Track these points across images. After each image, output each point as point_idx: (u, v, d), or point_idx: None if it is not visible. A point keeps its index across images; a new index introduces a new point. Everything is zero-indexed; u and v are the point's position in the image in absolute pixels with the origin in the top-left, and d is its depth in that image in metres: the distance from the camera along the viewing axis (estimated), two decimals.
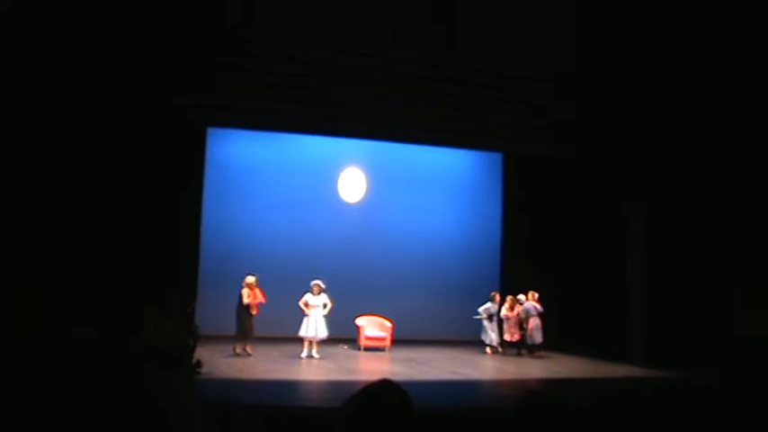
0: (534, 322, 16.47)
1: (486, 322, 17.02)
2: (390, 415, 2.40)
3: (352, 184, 18.93)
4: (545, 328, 16.46)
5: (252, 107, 13.60)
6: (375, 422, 2.37)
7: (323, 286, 14.91)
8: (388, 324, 16.91)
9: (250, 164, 17.89)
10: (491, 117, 14.67)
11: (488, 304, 17.06)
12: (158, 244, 13.14)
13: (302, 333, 14.80)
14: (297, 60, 13.27)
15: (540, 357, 16.33)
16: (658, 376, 13.84)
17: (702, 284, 14.89)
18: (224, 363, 13.40)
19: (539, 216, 18.56)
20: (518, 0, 14.26)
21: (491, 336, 16.97)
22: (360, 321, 16.86)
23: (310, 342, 14.80)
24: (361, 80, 13.81)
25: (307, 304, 14.84)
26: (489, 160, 19.81)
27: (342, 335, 16.16)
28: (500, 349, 17.00)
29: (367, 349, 16.47)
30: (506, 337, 16.91)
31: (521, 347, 16.78)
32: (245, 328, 14.57)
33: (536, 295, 16.73)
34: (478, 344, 17.06)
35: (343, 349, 16.28)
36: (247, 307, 14.61)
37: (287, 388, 11.86)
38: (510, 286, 17.88)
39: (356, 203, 18.92)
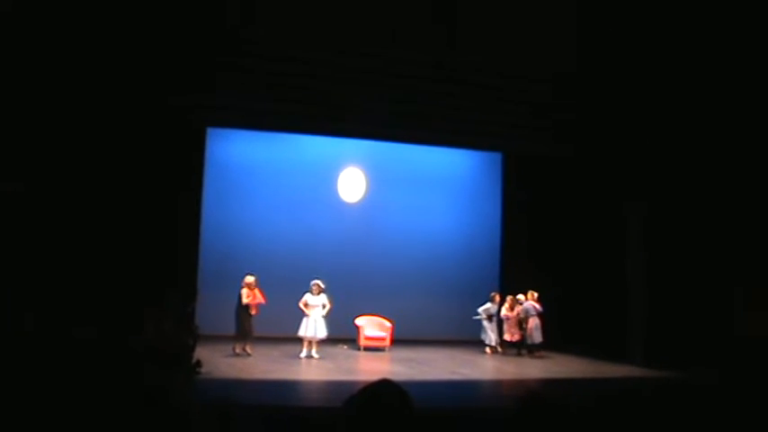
0: (534, 322, 16.47)
1: (485, 322, 17.02)
2: (390, 415, 2.39)
3: (351, 184, 18.93)
4: (545, 327, 16.46)
5: (252, 107, 13.60)
6: (375, 422, 2.37)
7: (322, 286, 14.90)
8: (388, 324, 16.90)
9: (250, 164, 17.89)
10: (491, 117, 14.67)
11: (488, 305, 17.06)
12: (158, 244, 13.13)
13: (301, 333, 14.80)
14: (297, 60, 13.27)
15: (540, 357, 16.33)
16: (658, 376, 13.84)
17: (702, 284, 14.90)
18: (224, 363, 13.40)
19: (539, 216, 18.55)
20: (518, 0, 14.25)
21: (491, 336, 16.98)
22: (359, 321, 16.86)
23: (310, 342, 14.80)
24: (361, 80, 13.81)
25: (306, 305, 14.84)
26: (489, 160, 19.81)
27: (341, 335, 16.16)
28: (499, 349, 17.00)
29: (367, 349, 16.46)
30: (506, 337, 16.91)
31: (520, 347, 16.78)
32: (244, 328, 14.57)
33: (535, 295, 16.73)
34: (478, 344, 17.07)
35: (343, 349, 16.28)
36: (246, 307, 14.61)
37: (287, 388, 11.86)
38: (510, 286, 17.88)
39: (356, 203, 18.92)
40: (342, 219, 18.53)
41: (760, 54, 13.93)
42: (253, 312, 14.65)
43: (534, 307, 16.52)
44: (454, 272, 18.88)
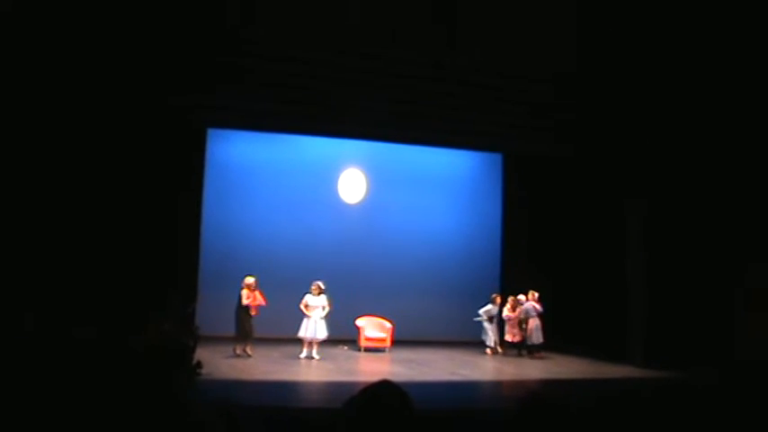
0: (534, 323, 16.47)
1: (486, 324, 17.01)
2: (390, 416, 2.39)
3: (352, 185, 18.93)
4: (545, 328, 16.46)
5: (252, 107, 13.59)
6: (375, 423, 2.37)
7: (323, 287, 14.90)
8: (388, 325, 16.90)
9: (250, 164, 17.89)
10: (491, 117, 14.67)
11: (489, 306, 17.05)
12: (158, 244, 13.14)
13: (301, 334, 14.79)
14: (297, 60, 13.26)
15: (540, 358, 16.32)
16: (658, 377, 13.83)
17: (702, 285, 14.90)
18: (224, 364, 13.40)
19: (539, 216, 18.57)
20: (518, 0, 14.24)
21: (491, 337, 16.98)
22: (360, 322, 16.86)
23: (310, 343, 14.79)
24: (362, 80, 13.80)
25: (307, 306, 14.83)
26: (489, 160, 19.81)
27: (342, 336, 16.15)
28: (499, 350, 17.00)
29: (367, 350, 16.46)
30: (507, 337, 16.90)
31: (521, 348, 16.78)
32: (244, 329, 14.56)
33: (536, 295, 16.72)
34: (478, 345, 17.06)
35: (344, 350, 16.28)
36: (246, 308, 14.60)
37: (287, 389, 11.86)
38: (510, 287, 17.88)
39: (356, 204, 18.91)
40: (342, 219, 18.53)
41: (760, 53, 13.93)
42: (253, 313, 14.64)
43: (534, 308, 16.52)
44: (455, 272, 18.88)
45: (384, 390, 2.46)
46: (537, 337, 16.44)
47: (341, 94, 13.74)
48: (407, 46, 13.59)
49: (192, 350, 11.12)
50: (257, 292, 14.74)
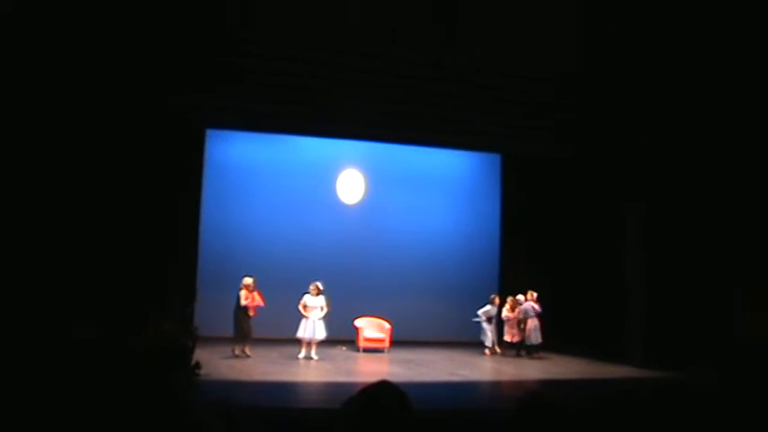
0: (533, 323, 16.48)
1: (485, 324, 17.02)
2: (389, 416, 2.39)
3: (350, 186, 18.93)
4: (543, 328, 16.47)
5: (251, 108, 13.59)
6: (374, 424, 2.37)
7: (321, 288, 14.89)
8: (387, 325, 16.90)
9: (249, 165, 17.89)
10: (491, 117, 14.67)
11: (488, 307, 17.05)
12: (157, 244, 13.14)
13: (300, 334, 14.79)
14: (296, 61, 13.26)
15: (539, 358, 16.33)
16: (657, 377, 13.84)
17: (701, 285, 14.91)
18: (223, 364, 13.39)
19: (537, 217, 18.57)
20: (518, 0, 14.24)
21: (489, 337, 16.98)
22: (358, 323, 16.86)
23: (308, 343, 14.79)
24: (361, 80, 13.80)
25: (305, 306, 14.83)
26: (488, 161, 19.82)
27: (340, 336, 16.16)
28: (498, 350, 17.00)
29: (366, 350, 16.46)
30: (506, 338, 16.91)
31: (519, 349, 16.78)
32: (242, 329, 14.55)
33: (534, 295, 16.73)
34: (477, 345, 17.07)
35: (342, 351, 16.28)
36: (245, 308, 14.59)
37: (286, 389, 11.85)
38: (509, 287, 17.88)
39: (355, 205, 18.92)
40: (341, 220, 18.54)
41: (759, 55, 13.93)
42: (251, 314, 14.64)
43: (533, 308, 16.53)
44: (453, 273, 18.88)
45: (383, 390, 2.47)
46: (536, 338, 16.45)
47: (340, 95, 13.74)
48: (407, 46, 13.59)
49: (191, 351, 11.09)
50: (256, 293, 14.74)
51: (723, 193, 14.87)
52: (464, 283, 18.60)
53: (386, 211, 18.88)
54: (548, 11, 14.35)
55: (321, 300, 14.84)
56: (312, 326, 14.70)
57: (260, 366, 13.59)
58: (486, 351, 16.97)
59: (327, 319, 14.93)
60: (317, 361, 14.58)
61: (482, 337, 17.05)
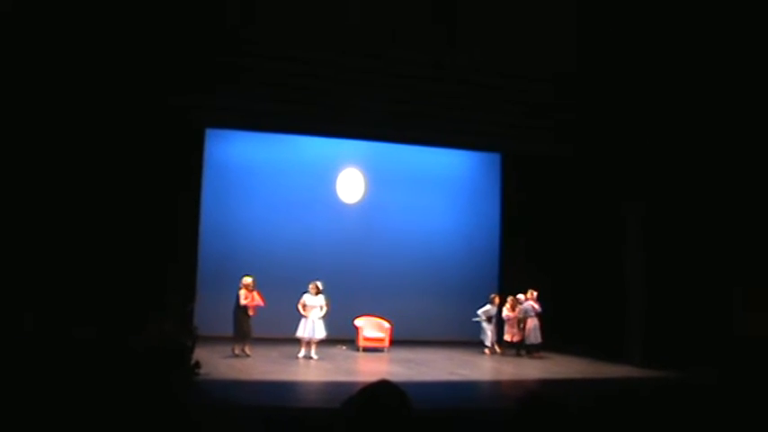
0: (532, 323, 16.48)
1: (484, 323, 17.03)
2: (389, 416, 2.40)
3: (350, 185, 18.93)
4: (543, 328, 16.47)
5: (251, 107, 13.59)
6: (374, 423, 2.37)
7: (320, 287, 14.90)
8: (387, 325, 16.91)
9: (249, 164, 17.89)
10: (491, 117, 14.67)
11: (487, 306, 17.05)
12: (157, 244, 13.14)
13: (299, 334, 14.79)
14: (296, 60, 13.26)
15: (539, 358, 16.34)
16: (657, 376, 13.84)
17: (701, 284, 14.91)
18: (223, 363, 13.40)
19: (537, 216, 18.57)
20: (518, 0, 14.24)
21: (489, 337, 16.99)
22: (358, 322, 16.86)
23: (308, 343, 14.80)
24: (361, 80, 13.79)
25: (304, 306, 14.83)
26: (487, 160, 19.82)
27: (340, 335, 16.16)
28: (498, 350, 17.00)
29: (365, 350, 16.46)
30: (506, 337, 16.91)
31: (519, 348, 16.79)
32: (242, 329, 14.56)
33: (534, 294, 16.74)
34: (477, 344, 17.07)
35: (342, 350, 16.28)
36: (245, 308, 14.59)
37: (286, 389, 11.85)
38: (508, 287, 17.89)
39: (355, 204, 18.92)
40: (341, 219, 18.54)
41: (759, 54, 13.93)
42: (251, 313, 14.64)
43: (533, 307, 16.53)
44: (453, 272, 18.88)
45: (383, 389, 2.47)
46: (535, 337, 16.46)
47: (340, 94, 13.74)
48: (407, 46, 13.59)
49: (191, 350, 11.12)
50: (255, 293, 14.74)
51: (723, 193, 14.87)
52: (464, 283, 18.60)
53: (386, 210, 18.88)
54: (548, 11, 14.34)
55: (320, 299, 14.84)
56: (311, 325, 14.70)
57: (260, 366, 13.60)
58: (486, 350, 16.98)
59: (327, 318, 14.93)
60: (316, 360, 14.59)
61: (482, 337, 17.05)
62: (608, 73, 14.67)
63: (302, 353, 14.79)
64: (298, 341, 14.90)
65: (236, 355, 14.42)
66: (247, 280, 14.72)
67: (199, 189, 15.76)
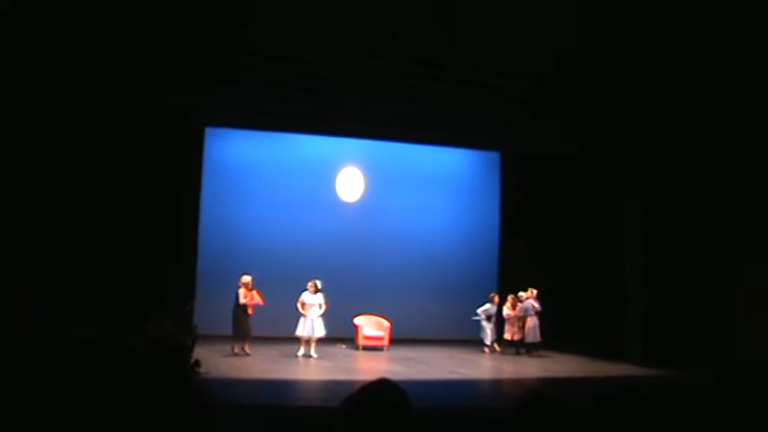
0: (532, 321, 16.51)
1: (484, 322, 17.04)
2: (389, 414, 2.41)
3: (350, 184, 18.94)
4: (543, 327, 16.49)
5: (251, 107, 13.60)
6: (373, 422, 2.38)
7: (319, 286, 14.91)
8: (387, 323, 16.92)
9: (248, 163, 17.89)
10: (491, 116, 14.67)
11: (487, 305, 17.07)
12: (157, 243, 13.14)
13: (299, 332, 14.81)
14: (296, 60, 13.26)
15: (539, 356, 16.35)
16: (656, 375, 13.86)
17: (701, 284, 14.91)
18: (222, 362, 13.40)
19: (537, 215, 18.58)
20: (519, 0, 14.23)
21: (489, 336, 17.01)
22: (358, 321, 16.88)
23: (308, 341, 14.81)
24: (361, 80, 13.79)
25: (303, 304, 14.85)
26: (487, 159, 19.82)
27: (340, 334, 16.17)
28: (497, 348, 17.02)
29: (365, 349, 16.48)
30: (506, 336, 16.92)
31: (519, 347, 16.80)
32: (241, 327, 14.57)
33: (534, 292, 16.75)
34: (477, 343, 17.09)
35: (342, 349, 16.29)
36: (244, 307, 14.61)
37: (285, 387, 11.87)
38: (508, 285, 17.90)
39: (354, 203, 18.92)
40: (340, 218, 18.54)
41: (760, 55, 13.92)
42: (250, 312, 14.66)
43: (533, 306, 16.55)
44: (453, 271, 18.89)
45: (382, 388, 2.48)
46: (534, 336, 16.48)
47: (340, 94, 13.75)
48: (407, 46, 13.58)
49: (191, 349, 11.13)
50: (254, 292, 14.75)
51: (723, 193, 14.87)
52: (464, 282, 18.61)
53: (385, 209, 18.89)
54: (548, 11, 14.33)
55: (319, 297, 14.85)
56: (311, 324, 14.72)
57: (259, 364, 13.61)
58: (486, 349, 17.00)
59: (326, 316, 14.95)
60: (316, 359, 14.60)
61: (481, 335, 17.07)
62: (610, 74, 14.66)
63: (302, 351, 14.81)
64: (297, 340, 14.92)
65: (236, 354, 14.43)
66: (246, 279, 14.74)
67: (198, 188, 15.77)
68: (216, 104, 13.51)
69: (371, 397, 2.44)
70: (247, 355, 14.50)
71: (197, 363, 11.18)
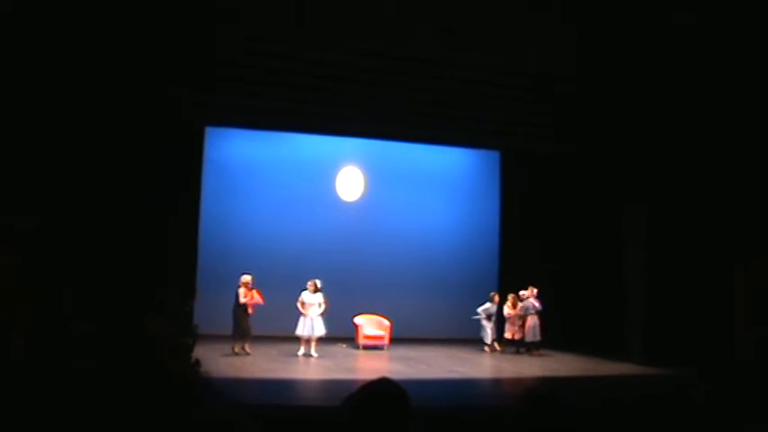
0: (532, 320, 16.50)
1: (484, 321, 17.04)
2: (389, 413, 2.40)
3: (350, 183, 18.93)
4: (543, 325, 16.49)
5: (251, 106, 13.60)
6: (374, 421, 2.38)
7: (319, 285, 14.91)
8: (387, 323, 16.92)
9: (248, 163, 17.88)
10: (491, 115, 14.67)
11: (487, 305, 17.06)
12: (157, 243, 13.13)
13: (299, 332, 14.80)
14: (296, 59, 13.26)
15: (539, 356, 16.35)
16: (657, 374, 13.86)
17: (701, 283, 14.90)
18: (222, 362, 13.40)
19: (537, 214, 18.57)
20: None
21: (489, 335, 17.01)
22: (358, 320, 16.87)
23: (308, 340, 14.81)
24: (361, 79, 13.79)
25: (303, 304, 14.84)
26: (487, 158, 19.81)
27: (340, 333, 16.16)
28: (498, 348, 17.02)
29: (366, 348, 16.48)
30: (507, 335, 16.91)
31: (520, 346, 16.80)
32: (241, 327, 14.57)
33: (535, 291, 16.74)
34: (477, 342, 17.08)
35: (342, 348, 16.29)
36: (244, 306, 14.61)
37: (286, 387, 11.87)
38: (508, 284, 17.89)
39: (354, 202, 18.92)
40: (340, 217, 18.53)
41: (760, 56, 13.90)
42: (250, 312, 14.66)
43: (534, 305, 16.54)
44: (453, 270, 18.88)
45: (383, 387, 2.48)
46: (534, 335, 16.48)
47: (340, 93, 13.74)
48: (407, 45, 13.56)
49: (191, 348, 11.13)
50: (254, 291, 14.75)
51: (723, 193, 14.85)
52: (464, 281, 18.60)
53: (386, 208, 18.88)
54: (548, 10, 14.31)
55: (318, 297, 14.85)
56: (311, 323, 14.72)
57: (260, 364, 13.61)
58: (486, 348, 17.00)
59: (325, 315, 14.94)
60: (316, 358, 14.60)
61: (482, 334, 17.07)
62: (609, 74, 14.65)
63: (302, 351, 14.80)
64: (297, 339, 14.91)
65: (236, 354, 14.43)
66: (246, 278, 14.74)
67: (198, 187, 15.77)
68: (216, 104, 13.50)
69: (372, 396, 2.43)
70: (247, 354, 14.50)
71: (197, 362, 11.17)
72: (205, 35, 12.63)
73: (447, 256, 18.98)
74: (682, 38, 13.95)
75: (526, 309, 16.60)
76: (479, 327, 17.12)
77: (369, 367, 14.42)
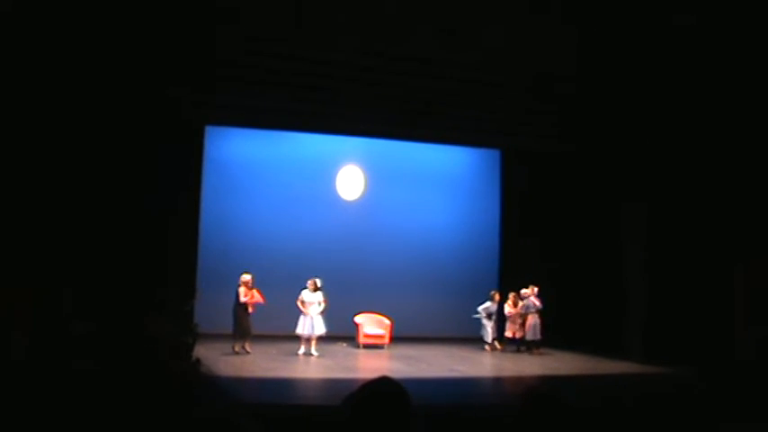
0: (533, 319, 16.51)
1: (484, 320, 17.04)
2: (389, 412, 2.41)
3: (350, 182, 18.93)
4: (544, 324, 16.49)
5: (251, 105, 13.60)
6: (374, 420, 2.38)
7: (319, 284, 14.91)
8: (387, 321, 16.92)
9: (248, 162, 17.88)
10: (491, 114, 14.68)
11: (488, 303, 17.07)
12: (157, 242, 13.14)
13: (299, 331, 14.81)
14: (296, 59, 13.26)
15: (539, 354, 16.35)
16: (657, 372, 13.87)
17: (701, 283, 14.90)
18: (223, 361, 13.41)
19: (537, 213, 18.58)
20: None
21: (489, 333, 17.01)
22: (358, 319, 16.87)
23: (308, 339, 14.81)
24: (362, 78, 13.79)
25: (303, 302, 14.85)
26: (487, 157, 19.80)
27: (341, 332, 16.16)
28: (498, 346, 17.02)
29: (366, 347, 16.48)
30: (508, 334, 16.92)
31: (520, 345, 16.81)
32: (242, 326, 14.57)
33: (535, 290, 16.74)
34: (477, 341, 17.09)
35: (342, 347, 16.29)
36: (244, 305, 14.61)
37: (286, 386, 11.87)
38: (509, 283, 17.89)
39: (354, 201, 18.91)
40: (340, 216, 18.53)
41: (759, 56, 13.89)
42: (250, 311, 14.66)
43: (534, 304, 16.55)
44: (453, 269, 18.88)
45: (383, 386, 2.48)
46: (534, 334, 16.48)
47: (340, 92, 13.74)
48: (407, 44, 13.57)
49: (191, 347, 11.14)
50: (255, 290, 14.75)
51: (724, 193, 14.85)
52: (464, 280, 18.60)
53: (386, 207, 18.88)
54: (548, 11, 14.31)
55: (318, 295, 14.85)
56: (311, 322, 14.72)
57: (260, 363, 13.61)
58: (486, 347, 17.00)
59: (325, 314, 14.95)
60: (316, 357, 14.60)
61: (482, 333, 17.07)
62: (609, 74, 14.65)
63: (302, 350, 14.81)
64: (297, 338, 14.92)
65: (237, 353, 14.43)
66: (246, 277, 14.74)
67: (199, 187, 15.76)
68: (216, 103, 13.50)
69: (372, 395, 2.44)
70: (248, 353, 14.50)
71: (198, 361, 11.20)
72: (205, 35, 12.62)
73: (447, 255, 18.97)
74: (682, 38, 13.94)
75: (527, 307, 16.60)
76: (480, 325, 17.13)
77: (369, 366, 14.43)
